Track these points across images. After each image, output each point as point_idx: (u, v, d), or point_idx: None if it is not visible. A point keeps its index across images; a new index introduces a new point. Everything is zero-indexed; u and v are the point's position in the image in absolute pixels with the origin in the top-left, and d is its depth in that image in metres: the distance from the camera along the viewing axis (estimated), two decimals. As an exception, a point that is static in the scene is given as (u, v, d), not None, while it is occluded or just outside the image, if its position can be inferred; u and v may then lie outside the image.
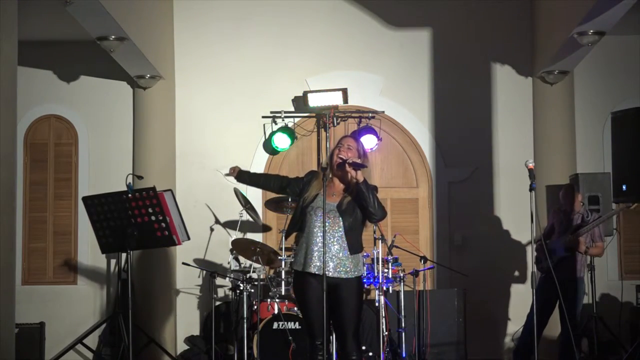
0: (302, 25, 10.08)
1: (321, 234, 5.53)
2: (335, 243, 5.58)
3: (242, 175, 6.13)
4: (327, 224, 5.56)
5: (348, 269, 5.59)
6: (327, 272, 5.49)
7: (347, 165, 5.55)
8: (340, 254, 5.58)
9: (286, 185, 5.88)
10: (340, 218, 5.59)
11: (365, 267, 7.59)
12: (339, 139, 5.82)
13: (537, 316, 7.65)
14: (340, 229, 5.59)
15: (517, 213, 9.54)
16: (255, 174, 6.26)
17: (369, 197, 5.54)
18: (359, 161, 5.56)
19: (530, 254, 7.77)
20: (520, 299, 9.48)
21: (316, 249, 5.55)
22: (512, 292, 9.73)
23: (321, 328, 5.47)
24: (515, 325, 9.58)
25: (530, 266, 8.52)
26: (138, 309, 9.10)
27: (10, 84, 6.35)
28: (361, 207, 5.60)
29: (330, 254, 5.56)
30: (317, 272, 5.52)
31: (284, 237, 8.52)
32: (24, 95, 8.62)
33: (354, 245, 5.62)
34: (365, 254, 6.97)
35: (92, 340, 9.35)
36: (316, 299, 5.50)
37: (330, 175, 5.67)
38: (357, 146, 5.72)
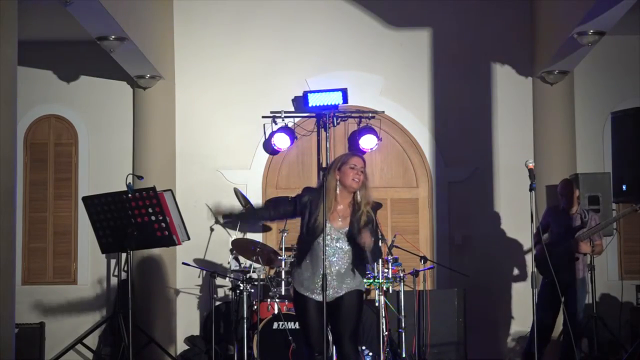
0: (302, 26, 10.08)
1: (332, 260, 5.53)
2: (341, 266, 5.56)
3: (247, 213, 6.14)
4: (335, 248, 5.55)
5: (351, 286, 5.59)
6: (331, 295, 5.52)
7: (362, 232, 5.49)
8: (347, 278, 5.58)
9: (282, 210, 5.74)
10: (350, 244, 5.57)
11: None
12: (348, 156, 5.69)
13: (545, 319, 7.70)
14: (349, 254, 5.58)
15: (517, 213, 9.53)
16: (259, 209, 6.17)
17: (369, 258, 5.58)
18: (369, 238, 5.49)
19: (531, 255, 7.76)
20: (521, 299, 9.48)
21: (330, 276, 5.52)
22: (512, 292, 9.72)
23: (320, 340, 5.47)
24: (515, 325, 9.59)
25: (530, 265, 8.55)
26: (138, 309, 9.09)
27: (10, 84, 6.35)
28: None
29: (335, 276, 5.55)
30: (335, 297, 5.54)
31: (283, 237, 8.53)
32: (24, 95, 8.62)
33: (361, 270, 5.63)
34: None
35: (92, 340, 9.35)
36: (317, 315, 5.51)
37: (337, 191, 5.58)
38: (365, 167, 5.65)
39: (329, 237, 5.53)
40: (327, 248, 5.51)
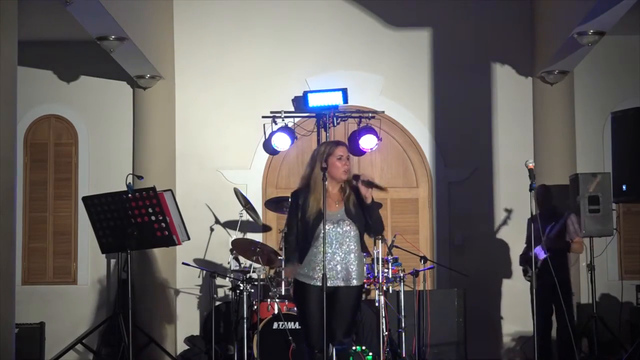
0: (302, 25, 10.08)
1: (336, 245, 5.52)
2: (348, 250, 5.55)
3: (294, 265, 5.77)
4: (337, 233, 5.54)
5: (359, 275, 5.58)
6: (340, 283, 5.51)
7: (361, 182, 5.48)
8: (355, 262, 5.57)
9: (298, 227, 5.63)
10: (354, 224, 5.56)
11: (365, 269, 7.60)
12: (332, 147, 5.65)
13: (542, 321, 7.74)
14: (355, 234, 5.57)
15: (517, 213, 9.54)
16: (294, 254, 5.71)
17: (378, 215, 5.56)
18: (375, 182, 5.49)
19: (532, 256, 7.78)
20: (520, 299, 9.44)
21: (333, 262, 5.52)
22: (511, 292, 9.72)
23: (321, 336, 5.45)
24: (515, 325, 9.58)
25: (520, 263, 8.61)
26: (138, 309, 9.10)
27: (10, 84, 6.36)
28: (364, 219, 5.59)
29: (345, 263, 5.54)
30: (336, 285, 5.51)
31: (283, 237, 8.53)
32: (24, 95, 8.62)
33: (364, 247, 5.64)
34: (364, 253, 6.96)
35: (92, 340, 9.34)
36: (318, 305, 5.47)
37: (327, 182, 5.55)
38: (348, 153, 5.69)
39: (330, 223, 5.51)
40: (329, 237, 5.50)
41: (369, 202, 5.52)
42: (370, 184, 5.48)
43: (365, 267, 5.74)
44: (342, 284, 5.55)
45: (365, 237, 5.84)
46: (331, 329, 5.53)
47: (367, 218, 5.57)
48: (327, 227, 5.50)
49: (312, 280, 5.53)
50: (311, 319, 5.54)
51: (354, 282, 5.59)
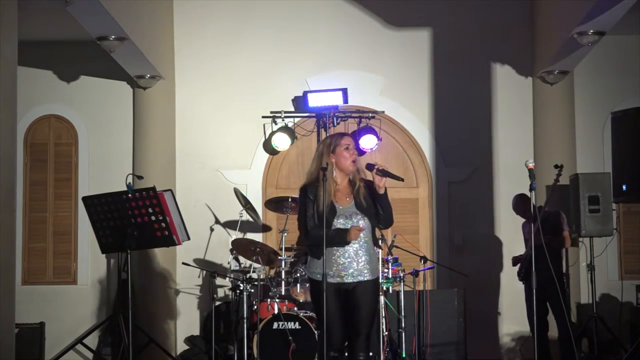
0: (302, 26, 10.08)
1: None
2: (362, 244, 5.50)
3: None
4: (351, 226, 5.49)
5: (374, 268, 5.55)
6: (359, 278, 5.47)
7: (375, 171, 5.44)
8: (368, 255, 5.52)
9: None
10: (366, 217, 5.50)
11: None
12: (338, 138, 5.63)
13: (537, 321, 7.74)
14: (367, 228, 5.51)
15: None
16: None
17: (389, 206, 5.51)
18: (391, 171, 5.46)
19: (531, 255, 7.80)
20: (520, 299, 9.45)
21: (345, 256, 5.48)
22: (511, 291, 9.71)
23: (339, 335, 5.43)
24: (515, 325, 9.58)
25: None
26: (138, 309, 9.09)
27: (10, 84, 6.35)
28: (375, 211, 5.54)
29: (359, 257, 5.50)
30: (356, 281, 5.47)
31: (283, 237, 8.53)
32: (24, 95, 8.61)
33: (375, 241, 5.61)
34: (378, 249, 6.92)
35: (92, 340, 9.36)
36: (337, 306, 5.43)
37: (335, 175, 5.53)
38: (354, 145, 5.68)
39: (342, 217, 5.48)
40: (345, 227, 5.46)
41: (382, 192, 5.48)
42: (385, 173, 5.44)
43: (379, 262, 5.66)
44: (359, 279, 5.49)
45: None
46: (353, 330, 5.47)
47: (378, 209, 5.52)
48: (340, 221, 5.46)
49: (327, 277, 5.46)
50: (328, 315, 5.43)
51: (368, 277, 5.52)
